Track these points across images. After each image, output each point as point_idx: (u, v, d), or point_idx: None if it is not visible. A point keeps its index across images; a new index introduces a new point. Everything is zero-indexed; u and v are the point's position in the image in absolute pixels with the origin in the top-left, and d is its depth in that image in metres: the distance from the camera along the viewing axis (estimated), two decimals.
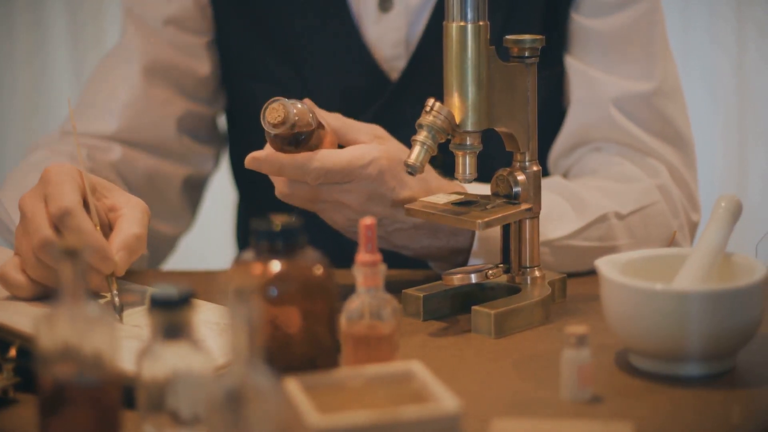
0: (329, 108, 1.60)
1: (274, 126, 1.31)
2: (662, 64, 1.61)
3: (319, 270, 1.08)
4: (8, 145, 3.06)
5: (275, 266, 1.07)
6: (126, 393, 1.03)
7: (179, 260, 1.88)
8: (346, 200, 1.36)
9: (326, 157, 1.34)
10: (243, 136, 1.73)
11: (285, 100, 1.31)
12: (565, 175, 1.63)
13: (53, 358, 0.96)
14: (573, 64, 1.61)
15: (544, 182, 1.52)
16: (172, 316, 0.97)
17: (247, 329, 0.86)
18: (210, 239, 2.65)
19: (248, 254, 1.08)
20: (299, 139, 1.33)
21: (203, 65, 1.64)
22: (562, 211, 1.48)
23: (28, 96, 3.06)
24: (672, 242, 1.43)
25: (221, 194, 2.17)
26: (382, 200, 1.37)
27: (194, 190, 1.71)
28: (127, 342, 1.16)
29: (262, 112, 1.31)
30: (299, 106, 1.33)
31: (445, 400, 0.99)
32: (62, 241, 0.94)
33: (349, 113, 1.61)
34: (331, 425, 0.95)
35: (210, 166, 1.72)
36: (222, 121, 1.75)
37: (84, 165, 1.39)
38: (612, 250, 1.49)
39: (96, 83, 1.65)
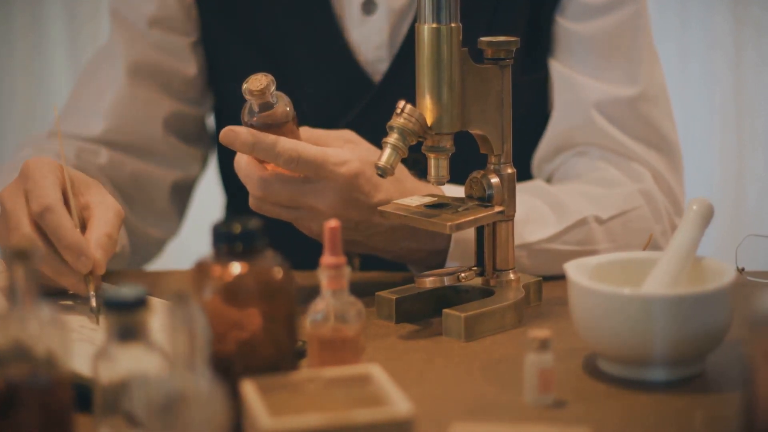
0: (312, 110, 1.60)
1: (252, 93, 1.32)
2: (647, 68, 1.60)
3: (278, 273, 1.07)
4: (7, 145, 3.07)
5: (234, 268, 1.06)
6: (82, 395, 1.04)
7: (169, 262, 1.88)
8: (320, 205, 1.35)
9: (300, 144, 1.33)
10: None
11: (272, 78, 1.33)
12: (548, 180, 1.63)
13: (5, 360, 0.96)
14: (557, 67, 1.61)
15: (524, 186, 1.51)
16: (126, 318, 0.97)
17: (187, 333, 0.86)
18: (199, 241, 2.66)
19: (208, 256, 1.08)
20: (272, 126, 1.33)
21: (189, 66, 1.64)
22: (541, 214, 1.48)
23: (27, 97, 3.07)
24: (648, 245, 1.42)
25: (211, 196, 2.18)
26: (357, 204, 1.37)
27: (182, 194, 1.71)
28: (84, 345, 1.16)
29: (244, 82, 1.32)
30: (282, 95, 1.34)
31: (399, 404, 0.98)
32: (13, 242, 0.94)
33: (331, 115, 1.62)
34: (282, 428, 0.95)
35: (197, 168, 1.72)
36: (211, 123, 1.75)
37: (70, 164, 1.39)
38: (591, 254, 1.48)
39: (82, 85, 1.66)
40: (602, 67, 1.58)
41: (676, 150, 1.62)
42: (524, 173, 1.61)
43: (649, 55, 1.61)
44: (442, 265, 1.45)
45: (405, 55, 1.58)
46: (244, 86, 1.32)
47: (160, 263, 1.79)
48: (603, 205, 1.51)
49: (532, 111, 1.62)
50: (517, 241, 1.43)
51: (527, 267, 1.46)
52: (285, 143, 1.32)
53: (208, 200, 2.15)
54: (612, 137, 1.58)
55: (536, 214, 1.47)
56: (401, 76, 1.58)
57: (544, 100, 1.64)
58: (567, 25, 1.59)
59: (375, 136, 1.41)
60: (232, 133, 1.33)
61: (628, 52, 1.59)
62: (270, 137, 1.32)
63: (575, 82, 1.58)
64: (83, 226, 1.32)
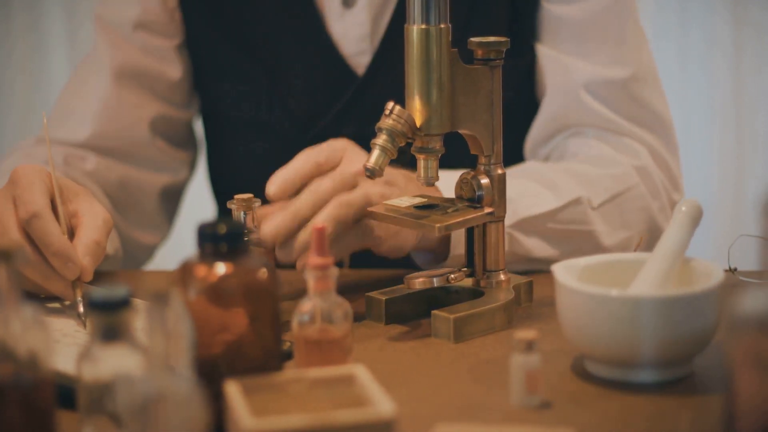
0: (298, 104, 1.61)
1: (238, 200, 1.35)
2: (635, 49, 1.61)
3: (263, 273, 1.07)
4: (6, 147, 3.07)
5: (219, 269, 1.06)
6: (66, 395, 1.04)
7: (164, 263, 1.88)
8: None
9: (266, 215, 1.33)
10: (218, 140, 1.73)
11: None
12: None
13: None
14: (545, 51, 1.61)
15: (517, 169, 1.51)
16: (110, 318, 0.97)
17: (166, 333, 0.86)
18: (190, 244, 2.66)
19: (193, 257, 1.08)
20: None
21: (174, 69, 1.65)
22: (535, 191, 1.47)
23: (26, 98, 3.07)
24: (637, 247, 1.41)
25: (207, 196, 2.18)
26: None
27: (171, 198, 1.71)
28: (71, 348, 1.16)
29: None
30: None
31: (381, 405, 0.98)
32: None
33: (317, 109, 1.63)
34: (263, 428, 0.95)
35: (186, 172, 1.72)
36: (198, 128, 1.76)
37: (59, 170, 1.39)
38: (589, 234, 1.48)
39: (69, 91, 1.67)
40: (591, 49, 1.59)
41: (670, 128, 1.62)
42: (512, 158, 1.60)
43: (637, 36, 1.61)
44: (447, 251, 1.44)
45: (387, 47, 1.59)
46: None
47: (155, 265, 1.79)
48: (595, 189, 1.51)
49: (516, 97, 1.62)
50: (511, 219, 1.42)
51: (527, 246, 1.44)
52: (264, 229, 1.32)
53: (205, 200, 2.15)
54: (605, 117, 1.58)
55: (531, 191, 1.47)
56: (384, 68, 1.60)
57: (528, 85, 1.63)
58: (554, 9, 1.60)
59: (360, 128, 1.41)
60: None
61: (616, 33, 1.59)
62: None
63: (565, 65, 1.59)
64: (72, 234, 1.32)
